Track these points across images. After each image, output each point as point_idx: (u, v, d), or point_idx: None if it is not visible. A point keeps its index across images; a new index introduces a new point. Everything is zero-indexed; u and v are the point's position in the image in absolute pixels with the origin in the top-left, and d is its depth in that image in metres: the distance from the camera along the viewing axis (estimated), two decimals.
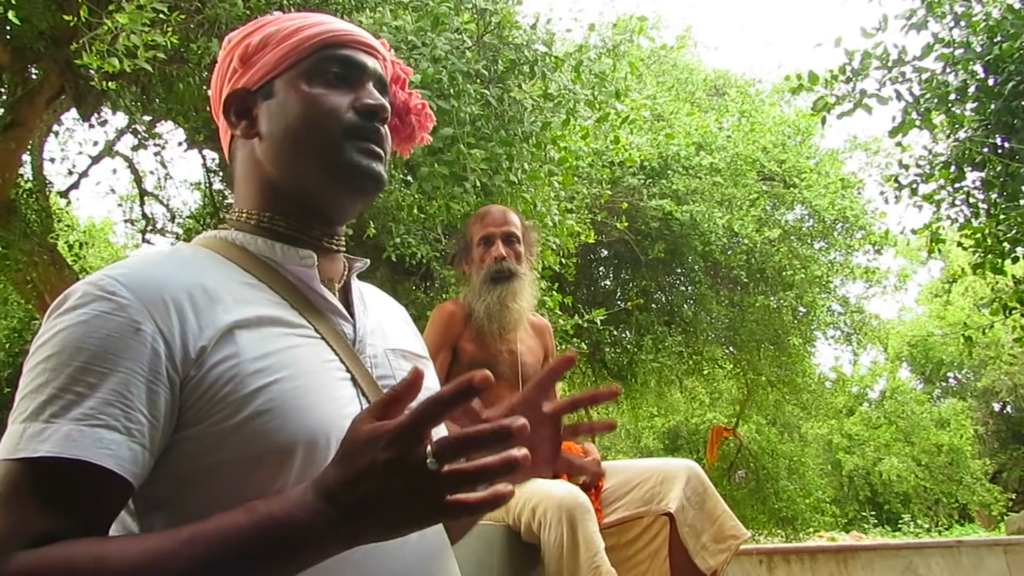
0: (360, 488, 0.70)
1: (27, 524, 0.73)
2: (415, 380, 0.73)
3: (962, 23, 4.56)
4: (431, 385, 1.10)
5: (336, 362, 0.94)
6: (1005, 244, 4.96)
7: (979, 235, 4.98)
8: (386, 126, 1.04)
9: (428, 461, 0.67)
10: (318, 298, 0.99)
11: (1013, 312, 5.26)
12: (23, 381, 0.82)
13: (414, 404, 0.71)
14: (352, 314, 1.03)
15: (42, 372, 0.80)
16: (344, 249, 1.09)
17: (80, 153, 8.31)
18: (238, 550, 0.72)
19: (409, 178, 4.62)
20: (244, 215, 1.04)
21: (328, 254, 1.05)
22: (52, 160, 8.16)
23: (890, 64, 4.67)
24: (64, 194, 8.62)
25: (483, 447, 0.67)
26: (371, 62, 1.05)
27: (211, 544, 0.71)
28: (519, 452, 0.66)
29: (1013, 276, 5.37)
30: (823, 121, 4.91)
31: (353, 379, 0.94)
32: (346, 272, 1.08)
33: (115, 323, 0.82)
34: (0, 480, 0.76)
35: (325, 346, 0.94)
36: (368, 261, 1.14)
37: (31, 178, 7.51)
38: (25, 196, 6.97)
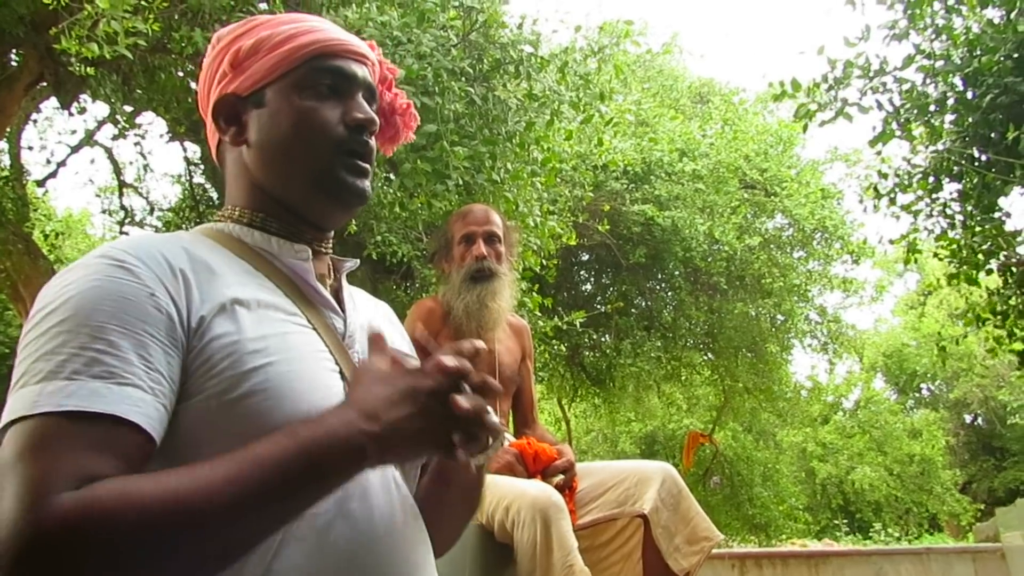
0: (402, 408, 0.80)
1: (68, 466, 0.71)
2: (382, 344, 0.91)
3: (943, 36, 4.62)
4: None
5: (326, 353, 0.95)
6: (980, 256, 5.02)
7: (955, 246, 5.04)
8: (373, 138, 1.05)
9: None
10: (311, 291, 1.01)
11: (986, 323, 5.33)
12: (29, 348, 0.79)
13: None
14: (343, 310, 1.05)
15: (56, 335, 0.78)
16: (330, 252, 1.10)
17: (59, 142, 8.22)
18: (291, 472, 0.76)
19: (391, 175, 4.60)
20: (237, 212, 1.04)
21: (317, 256, 1.06)
22: (30, 148, 8.06)
23: (871, 74, 4.72)
24: (41, 183, 8.51)
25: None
26: (361, 71, 1.06)
27: (265, 468, 0.75)
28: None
29: (987, 288, 5.44)
30: (804, 128, 4.96)
31: (341, 372, 0.95)
32: (336, 272, 1.10)
33: (130, 288, 0.82)
34: (26, 433, 0.73)
35: (317, 337, 0.96)
36: (357, 262, 1.16)
37: (8, 166, 7.40)
38: (1, 184, 6.87)
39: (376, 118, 1.04)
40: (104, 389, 0.75)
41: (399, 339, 1.18)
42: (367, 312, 1.13)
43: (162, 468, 0.82)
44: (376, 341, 0.91)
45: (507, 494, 2.16)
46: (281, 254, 1.01)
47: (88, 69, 3.73)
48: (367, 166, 1.04)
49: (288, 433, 0.77)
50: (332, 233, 1.11)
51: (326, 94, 1.02)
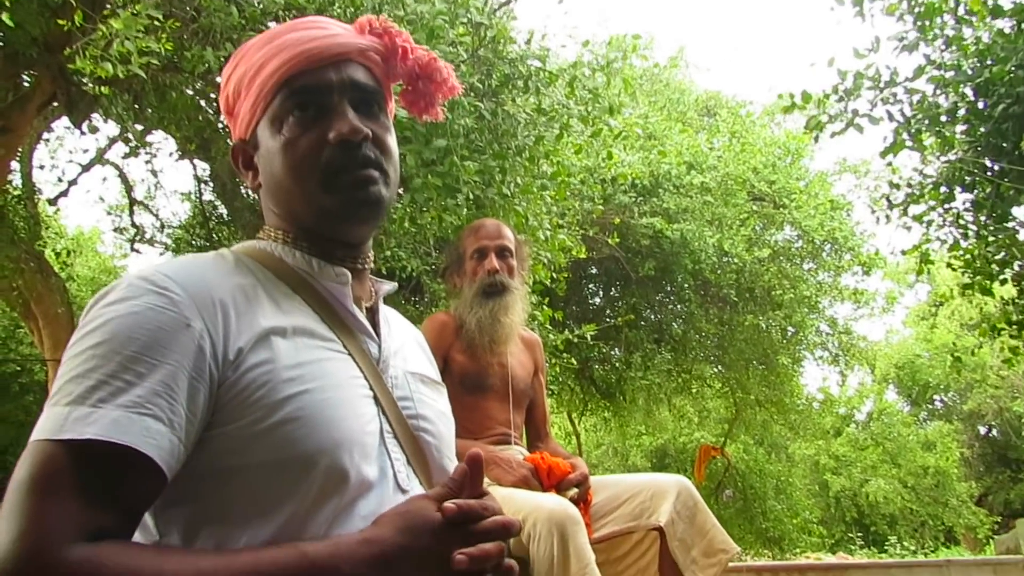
0: (418, 567, 0.81)
1: (78, 515, 0.73)
2: (466, 477, 0.89)
3: (953, 46, 4.61)
4: (444, 410, 1.12)
5: (361, 379, 0.95)
6: (994, 266, 4.99)
7: (968, 256, 5.01)
8: (371, 143, 1.00)
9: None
10: (348, 315, 1.00)
11: (1001, 333, 5.29)
12: (66, 367, 0.81)
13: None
14: (379, 334, 1.04)
15: (90, 358, 0.80)
16: (370, 267, 1.09)
17: (70, 161, 8.28)
18: None
19: (401, 190, 4.61)
20: (275, 232, 1.04)
21: (357, 273, 1.05)
22: (42, 167, 8.14)
23: (882, 85, 4.71)
24: (53, 202, 8.58)
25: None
26: (339, 74, 1.00)
27: (262, 573, 0.75)
28: (515, 522, 0.87)
29: (1001, 297, 5.40)
30: (816, 139, 4.95)
31: (375, 397, 0.95)
32: (374, 294, 1.09)
33: (167, 317, 0.83)
34: (43, 462, 0.75)
35: (352, 362, 0.96)
36: (395, 285, 1.14)
37: (20, 185, 7.46)
38: (13, 203, 6.92)
39: (360, 127, 0.98)
40: (124, 419, 0.76)
41: (429, 366, 1.18)
42: (400, 337, 1.12)
43: (196, 495, 0.85)
44: (473, 466, 0.90)
45: (523, 507, 2.15)
46: (321, 276, 1.01)
47: (101, 88, 3.76)
48: (368, 173, 0.98)
49: (295, 550, 0.78)
50: (369, 247, 1.09)
51: (304, 119, 0.98)
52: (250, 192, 7.16)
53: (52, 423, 0.77)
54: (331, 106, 0.98)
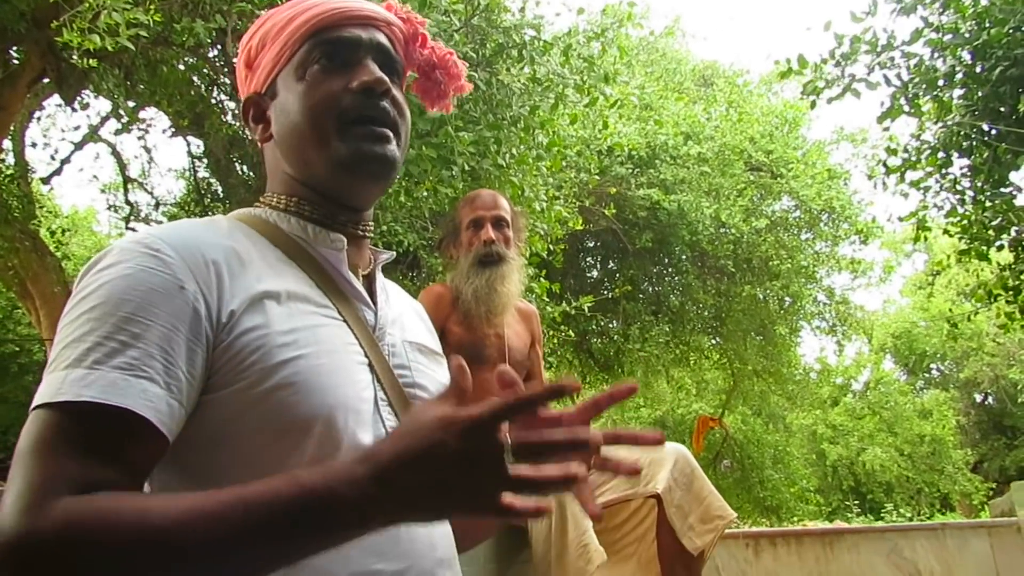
0: (421, 473, 0.69)
1: (71, 471, 0.72)
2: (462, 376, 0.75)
3: (951, 8, 4.57)
4: (444, 380, 1.09)
5: (356, 346, 0.94)
6: (991, 231, 4.98)
7: (965, 222, 5.00)
8: (389, 100, 1.00)
9: (507, 456, 0.67)
10: (344, 282, 0.99)
11: (998, 299, 5.30)
12: (62, 333, 0.81)
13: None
14: (375, 302, 1.03)
15: (85, 322, 0.79)
16: (371, 235, 1.08)
17: (63, 139, 8.24)
18: (278, 521, 0.70)
19: None
20: (275, 198, 1.04)
21: (356, 240, 1.04)
22: (34, 146, 8.11)
23: (879, 49, 4.67)
24: (46, 180, 8.53)
25: (560, 451, 0.70)
26: (367, 34, 1.01)
27: (250, 510, 0.70)
28: (580, 469, 0.69)
29: (998, 263, 5.40)
30: (813, 105, 4.91)
31: (370, 365, 0.94)
32: (372, 262, 1.08)
33: (160, 279, 0.82)
34: (42, 425, 0.75)
35: (347, 329, 0.94)
36: (393, 254, 1.14)
37: (12, 164, 7.42)
38: (7, 182, 6.89)
39: (383, 77, 0.98)
40: (122, 381, 0.76)
41: (429, 336, 1.16)
42: (399, 306, 1.11)
43: (188, 460, 0.84)
44: (458, 373, 0.75)
45: None
46: (316, 242, 1.00)
47: (90, 62, 3.72)
48: (384, 131, 0.99)
49: (288, 477, 0.72)
50: (370, 214, 1.08)
51: (329, 67, 0.98)
52: (245, 168, 7.13)
53: (49, 388, 0.76)
54: (356, 60, 1.00)
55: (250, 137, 1.08)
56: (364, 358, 0.94)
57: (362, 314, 0.99)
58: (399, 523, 0.74)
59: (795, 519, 13.39)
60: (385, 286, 1.10)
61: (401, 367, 1.00)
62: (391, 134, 0.99)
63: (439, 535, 0.94)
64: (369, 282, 1.06)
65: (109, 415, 0.75)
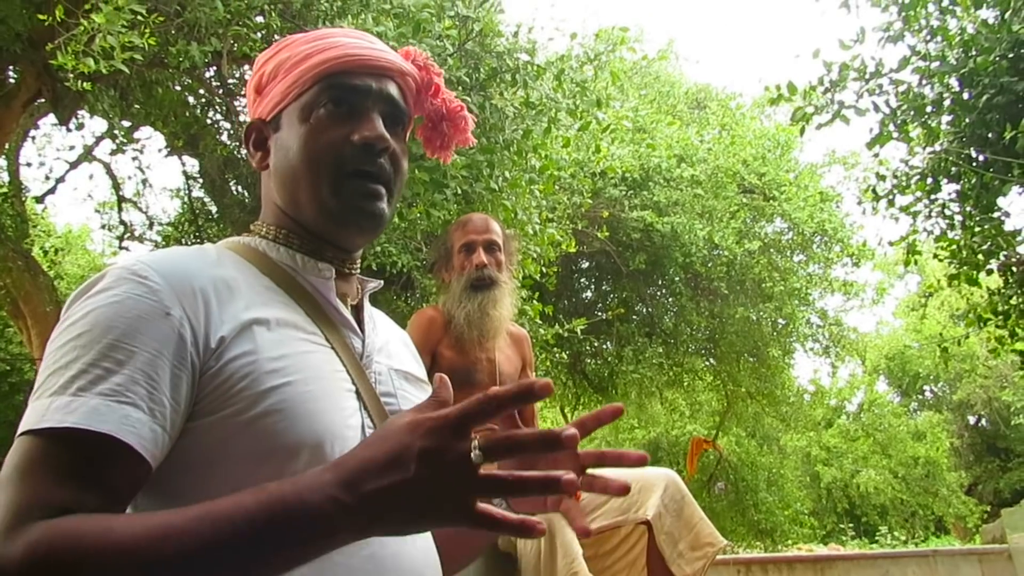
0: (387, 476, 0.67)
1: (48, 495, 0.73)
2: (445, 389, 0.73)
3: (938, 37, 4.63)
4: None
5: (343, 373, 0.95)
6: (980, 256, 5.01)
7: (955, 247, 5.03)
8: (388, 157, 1.01)
9: (474, 454, 0.65)
10: (332, 309, 1.00)
11: (988, 323, 5.32)
12: (48, 360, 0.82)
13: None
14: (363, 330, 1.04)
15: (71, 349, 0.80)
16: (358, 272, 1.09)
17: (58, 158, 8.24)
18: (245, 531, 0.69)
19: None
20: (265, 228, 1.05)
21: (343, 275, 1.05)
22: (29, 165, 8.10)
23: (867, 76, 4.73)
24: (40, 199, 8.53)
25: (530, 451, 0.66)
26: (379, 84, 1.02)
27: (218, 523, 0.69)
28: (566, 474, 0.65)
29: (988, 288, 5.43)
30: (802, 131, 4.96)
31: (357, 392, 0.95)
32: (360, 292, 1.09)
33: (146, 305, 0.83)
34: (24, 452, 0.76)
35: (335, 356, 0.95)
36: (381, 283, 1.14)
37: (7, 183, 7.42)
38: (0, 201, 6.88)
39: (385, 135, 0.99)
40: (104, 407, 0.76)
41: (415, 364, 1.17)
42: (385, 334, 1.12)
43: (173, 486, 0.84)
44: (440, 385, 0.74)
45: None
46: (305, 271, 1.00)
47: (85, 84, 3.73)
48: (377, 187, 1.00)
49: (256, 489, 0.71)
50: (359, 254, 1.09)
51: (335, 114, 0.99)
52: (239, 188, 7.14)
53: (34, 415, 0.77)
54: (363, 110, 1.00)
55: (246, 159, 1.10)
56: (351, 385, 0.95)
57: (350, 341, 1.00)
58: (371, 533, 0.71)
59: (789, 542, 13.33)
60: (372, 315, 1.11)
61: (387, 394, 1.01)
62: (384, 191, 1.01)
63: (425, 561, 0.94)
64: (357, 311, 1.07)
65: (90, 440, 0.75)
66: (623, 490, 0.77)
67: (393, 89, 1.04)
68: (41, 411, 0.77)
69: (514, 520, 0.66)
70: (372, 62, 1.02)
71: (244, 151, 1.10)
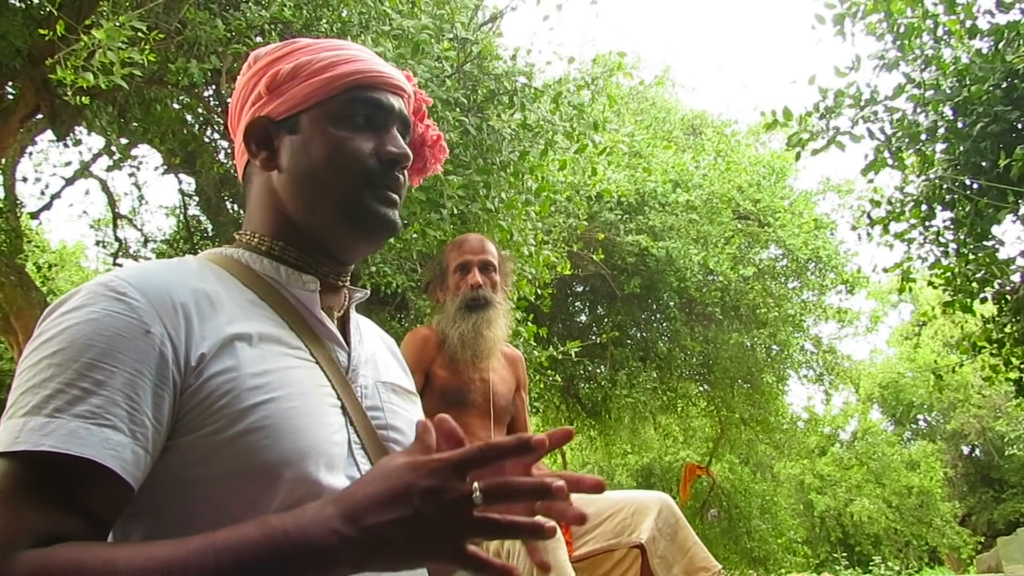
0: (390, 512, 0.70)
1: (32, 523, 0.71)
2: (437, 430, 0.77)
3: (932, 65, 4.68)
4: (416, 419, 1.08)
5: (328, 388, 0.93)
6: (974, 284, 5.03)
7: (949, 275, 5.05)
8: (405, 172, 1.05)
9: (475, 495, 0.69)
10: (316, 323, 0.99)
11: (982, 352, 5.32)
12: (22, 377, 0.79)
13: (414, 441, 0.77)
14: (348, 343, 1.03)
15: (47, 367, 0.78)
16: (345, 284, 1.08)
17: (54, 174, 8.22)
18: (248, 563, 0.69)
19: None
20: (256, 238, 1.03)
21: (331, 287, 1.05)
22: (25, 180, 8.09)
23: (863, 103, 4.77)
24: (35, 215, 8.52)
25: (523, 498, 0.70)
26: (397, 103, 1.05)
27: (220, 556, 0.69)
28: (548, 523, 0.70)
29: (982, 316, 5.44)
30: (797, 157, 4.99)
31: (343, 407, 0.93)
32: (346, 302, 1.08)
33: (125, 323, 0.81)
34: (0, 475, 0.73)
35: (319, 371, 0.94)
36: (368, 292, 1.14)
37: (2, 198, 7.41)
38: None
39: (409, 153, 1.03)
40: (83, 430, 0.74)
41: (403, 375, 1.16)
42: (372, 345, 1.11)
43: (154, 506, 0.82)
44: (422, 432, 0.78)
45: None
46: (288, 283, 0.99)
47: (83, 99, 3.73)
48: (395, 196, 1.03)
49: (258, 521, 0.72)
50: (351, 267, 1.09)
51: (361, 125, 1.01)
52: (235, 206, 7.14)
53: (7, 435, 0.74)
54: (386, 126, 1.03)
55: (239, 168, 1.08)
56: (337, 400, 0.93)
57: (335, 355, 0.98)
58: (369, 568, 0.72)
59: (783, 571, 13.23)
60: (359, 325, 1.09)
61: (374, 408, 1.00)
62: (399, 202, 1.04)
63: None
64: (343, 322, 1.06)
65: (70, 465, 0.73)
66: (580, 520, 0.78)
67: (405, 108, 1.07)
68: (15, 431, 0.74)
69: (498, 565, 0.70)
70: (392, 80, 1.05)
71: (234, 143, 1.08)
